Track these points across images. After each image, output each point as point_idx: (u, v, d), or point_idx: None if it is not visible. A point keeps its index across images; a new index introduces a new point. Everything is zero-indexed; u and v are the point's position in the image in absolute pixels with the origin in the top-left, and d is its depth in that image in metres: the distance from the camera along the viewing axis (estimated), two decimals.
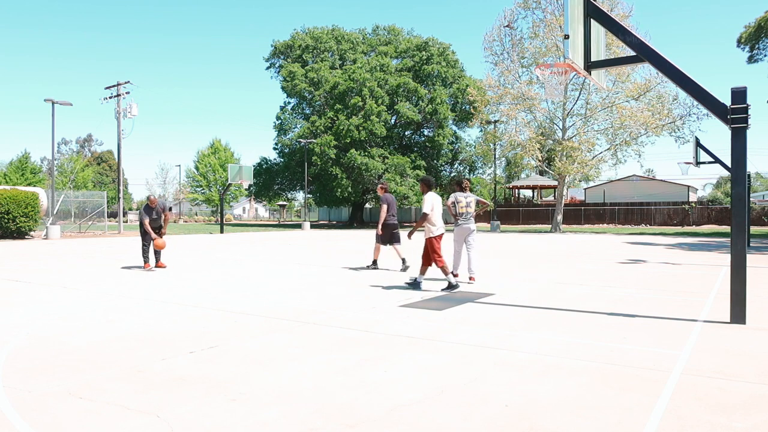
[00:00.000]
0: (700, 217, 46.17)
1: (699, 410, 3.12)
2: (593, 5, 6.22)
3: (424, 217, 7.90)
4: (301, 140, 42.58)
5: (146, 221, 11.09)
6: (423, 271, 8.09)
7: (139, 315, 6.01)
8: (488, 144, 37.60)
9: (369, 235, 28.21)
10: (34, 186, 41.88)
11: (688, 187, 52.60)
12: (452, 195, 9.06)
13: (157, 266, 11.21)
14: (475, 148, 44.94)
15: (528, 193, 67.75)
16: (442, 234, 8.02)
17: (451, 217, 9.08)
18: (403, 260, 10.45)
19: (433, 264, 7.89)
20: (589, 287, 8.28)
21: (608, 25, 6.22)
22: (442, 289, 7.83)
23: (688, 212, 46.49)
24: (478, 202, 9.18)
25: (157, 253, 11.26)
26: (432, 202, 7.90)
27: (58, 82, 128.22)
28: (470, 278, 8.78)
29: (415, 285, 8.12)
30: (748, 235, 16.72)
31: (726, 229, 38.15)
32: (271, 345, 4.65)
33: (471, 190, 12.02)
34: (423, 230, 8.12)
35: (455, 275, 8.68)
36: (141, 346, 4.61)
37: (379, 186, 10.98)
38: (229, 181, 34.43)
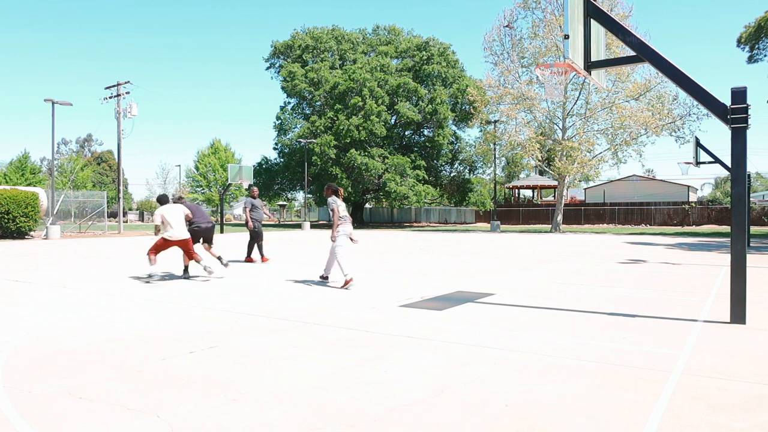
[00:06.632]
0: (700, 217, 46.20)
1: (699, 410, 3.12)
2: (593, 5, 6.22)
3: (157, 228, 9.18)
4: (301, 140, 42.56)
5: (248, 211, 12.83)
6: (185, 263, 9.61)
7: (140, 315, 6.02)
8: (488, 144, 37.61)
9: (369, 235, 28.17)
10: (34, 186, 41.79)
11: (688, 187, 52.66)
12: (334, 200, 8.44)
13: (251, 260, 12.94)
14: (475, 148, 44.90)
15: (528, 193, 67.86)
16: (175, 239, 8.95)
17: (335, 218, 8.37)
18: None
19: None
20: (589, 287, 8.28)
21: (608, 25, 6.22)
22: (183, 276, 9.48)
23: (688, 212, 46.51)
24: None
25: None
26: (161, 215, 8.98)
27: (58, 82, 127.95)
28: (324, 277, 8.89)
29: (186, 274, 9.53)
30: (748, 235, 16.72)
31: (726, 229, 38.17)
32: (271, 345, 4.65)
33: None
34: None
35: (326, 277, 8.89)
36: (141, 346, 4.61)
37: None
38: (229, 181, 34.40)
